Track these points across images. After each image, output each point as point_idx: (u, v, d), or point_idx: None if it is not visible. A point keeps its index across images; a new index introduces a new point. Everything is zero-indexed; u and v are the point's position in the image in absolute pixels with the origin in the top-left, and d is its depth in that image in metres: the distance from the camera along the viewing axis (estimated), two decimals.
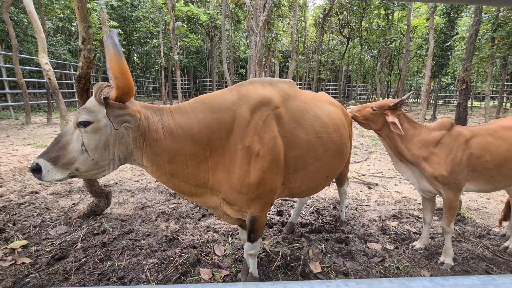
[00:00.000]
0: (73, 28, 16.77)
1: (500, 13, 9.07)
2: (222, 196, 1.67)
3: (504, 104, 19.18)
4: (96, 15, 11.45)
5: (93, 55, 2.81)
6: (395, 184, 4.60)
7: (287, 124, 1.76)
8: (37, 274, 2.07)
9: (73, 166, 1.39)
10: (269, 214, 3.30)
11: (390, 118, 2.28)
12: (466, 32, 11.45)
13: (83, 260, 2.25)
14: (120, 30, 16.00)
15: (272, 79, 1.88)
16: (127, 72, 1.28)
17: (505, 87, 15.61)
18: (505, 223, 2.92)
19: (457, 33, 12.97)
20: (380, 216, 3.33)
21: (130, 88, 1.32)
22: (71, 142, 1.39)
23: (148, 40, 19.98)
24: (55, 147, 1.39)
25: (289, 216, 3.26)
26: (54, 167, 1.36)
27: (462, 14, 14.10)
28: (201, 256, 2.39)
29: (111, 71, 1.28)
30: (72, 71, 14.13)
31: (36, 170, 1.34)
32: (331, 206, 3.60)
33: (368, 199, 3.93)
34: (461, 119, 3.33)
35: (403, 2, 13.35)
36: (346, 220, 3.16)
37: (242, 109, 1.62)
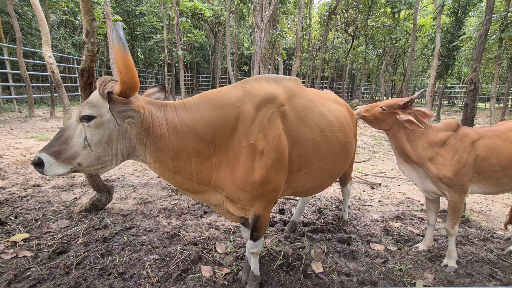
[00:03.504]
0: (77, 22, 16.75)
1: (509, 13, 8.92)
2: (226, 193, 1.65)
3: (509, 105, 18.99)
4: (100, 9, 11.43)
5: (96, 48, 2.78)
6: (398, 185, 4.56)
7: (292, 122, 1.73)
8: (38, 268, 2.06)
9: (76, 161, 1.37)
10: (271, 212, 3.28)
11: (403, 116, 2.23)
12: (474, 32, 11.31)
13: (84, 254, 2.24)
14: (124, 25, 15.95)
15: (277, 76, 1.85)
16: (132, 67, 1.26)
17: (511, 89, 15.42)
18: (510, 227, 2.88)
19: (464, 33, 12.81)
20: (383, 217, 3.30)
21: (135, 83, 1.30)
22: (74, 137, 1.38)
23: (152, 35, 19.94)
24: (57, 141, 1.37)
25: (291, 215, 3.24)
26: (57, 161, 1.35)
27: (470, 14, 13.91)
28: (202, 253, 2.38)
29: (115, 65, 1.26)
30: (76, 65, 14.15)
31: (39, 164, 1.34)
32: (334, 206, 3.57)
33: (371, 199, 3.90)
34: (468, 120, 3.27)
35: (410, 0, 13.19)
36: (348, 220, 3.13)
37: (247, 106, 1.59)
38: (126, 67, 1.24)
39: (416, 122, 2.18)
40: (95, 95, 1.42)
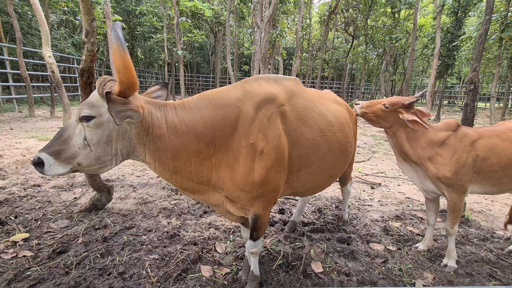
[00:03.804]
0: (77, 22, 16.76)
1: (509, 13, 8.92)
2: (225, 193, 1.65)
3: (509, 105, 18.99)
4: (100, 9, 11.44)
5: (96, 48, 2.78)
6: (398, 185, 4.56)
7: (292, 122, 1.73)
8: (38, 268, 2.07)
9: (75, 161, 1.38)
10: (271, 212, 3.28)
11: (407, 116, 2.22)
12: (474, 32, 11.30)
13: (84, 254, 2.25)
14: (124, 25, 15.96)
15: (277, 76, 1.85)
16: (130, 67, 1.26)
17: (511, 89, 15.42)
18: (510, 226, 2.88)
19: (464, 33, 12.81)
20: (383, 217, 3.30)
21: (134, 83, 1.30)
22: (74, 136, 1.38)
23: (152, 35, 19.96)
24: (57, 141, 1.38)
25: (291, 215, 3.24)
26: (56, 161, 1.35)
27: (470, 13, 13.91)
28: (202, 253, 2.38)
29: (114, 65, 1.26)
30: (76, 65, 14.16)
31: (38, 163, 1.34)
32: (334, 206, 3.57)
33: (370, 199, 3.90)
34: (468, 120, 3.28)
35: (410, 0, 13.19)
36: (348, 220, 3.13)
37: (247, 106, 1.59)
38: (124, 67, 1.25)
39: (421, 122, 2.17)
40: (94, 95, 1.42)
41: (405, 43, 20.08)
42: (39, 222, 2.73)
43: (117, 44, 1.22)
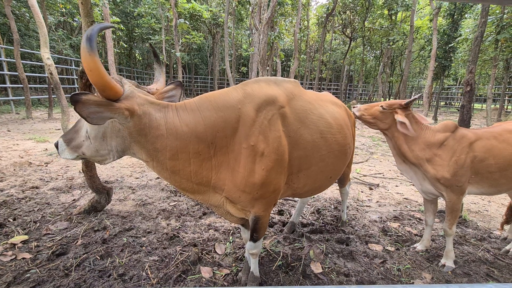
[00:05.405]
0: (74, 23, 16.74)
1: (505, 15, 9.02)
2: (226, 194, 1.66)
3: (505, 106, 19.14)
4: (99, 11, 11.43)
5: None
6: (396, 185, 4.59)
7: (292, 124, 1.75)
8: (37, 270, 2.06)
9: (80, 150, 1.51)
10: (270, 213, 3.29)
11: (400, 117, 2.26)
12: (470, 33, 11.41)
13: (83, 256, 2.24)
14: (122, 26, 15.95)
15: (277, 78, 1.86)
16: (96, 69, 1.25)
17: (507, 90, 15.57)
18: (506, 227, 2.91)
19: (460, 35, 12.92)
20: (381, 217, 3.32)
21: (104, 85, 1.30)
22: (82, 128, 1.51)
23: (150, 36, 19.93)
24: (72, 129, 1.55)
25: (290, 216, 3.25)
26: (67, 147, 1.53)
27: (466, 15, 14.04)
28: (202, 254, 2.38)
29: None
30: (74, 66, 14.11)
31: (57, 146, 1.54)
32: (332, 206, 3.59)
33: (369, 200, 3.92)
34: (465, 122, 3.31)
35: (407, 2, 13.29)
36: (347, 220, 3.15)
37: (248, 108, 1.61)
38: (89, 69, 1.24)
39: (408, 126, 2.20)
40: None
41: (402, 45, 20.21)
42: (38, 224, 2.72)
43: (83, 46, 1.22)
